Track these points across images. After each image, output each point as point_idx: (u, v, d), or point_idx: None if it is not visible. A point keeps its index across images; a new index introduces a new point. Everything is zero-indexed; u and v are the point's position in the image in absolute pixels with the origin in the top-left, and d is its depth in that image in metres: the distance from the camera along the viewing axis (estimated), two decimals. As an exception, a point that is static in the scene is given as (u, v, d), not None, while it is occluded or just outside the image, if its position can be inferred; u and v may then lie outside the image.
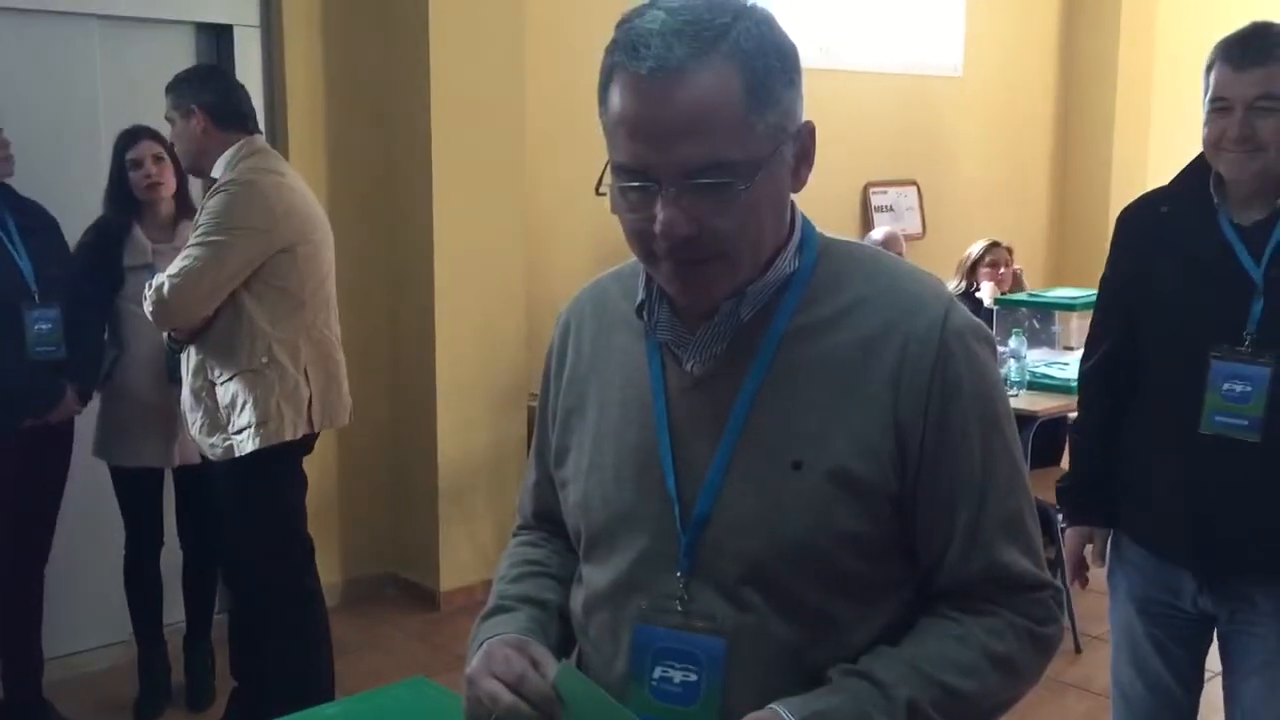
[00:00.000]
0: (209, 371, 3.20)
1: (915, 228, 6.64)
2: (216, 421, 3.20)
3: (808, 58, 1.28)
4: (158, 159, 3.62)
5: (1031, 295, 5.49)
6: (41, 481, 3.49)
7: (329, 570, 3.61)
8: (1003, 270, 5.45)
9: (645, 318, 1.32)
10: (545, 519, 1.53)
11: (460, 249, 4.49)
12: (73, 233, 3.63)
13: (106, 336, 3.67)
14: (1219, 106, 2.14)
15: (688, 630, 1.26)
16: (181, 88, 3.29)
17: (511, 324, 4.69)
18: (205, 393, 3.21)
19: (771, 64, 1.17)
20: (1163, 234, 2.27)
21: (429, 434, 4.56)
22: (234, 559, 3.42)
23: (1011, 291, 5.44)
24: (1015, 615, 1.27)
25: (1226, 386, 2.15)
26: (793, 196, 1.29)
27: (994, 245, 5.45)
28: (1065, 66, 7.47)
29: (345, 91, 4.50)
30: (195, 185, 3.89)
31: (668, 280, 1.25)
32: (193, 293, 3.07)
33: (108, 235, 3.62)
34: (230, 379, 3.16)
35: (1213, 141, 2.15)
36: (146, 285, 3.16)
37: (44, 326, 3.36)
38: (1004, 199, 7.09)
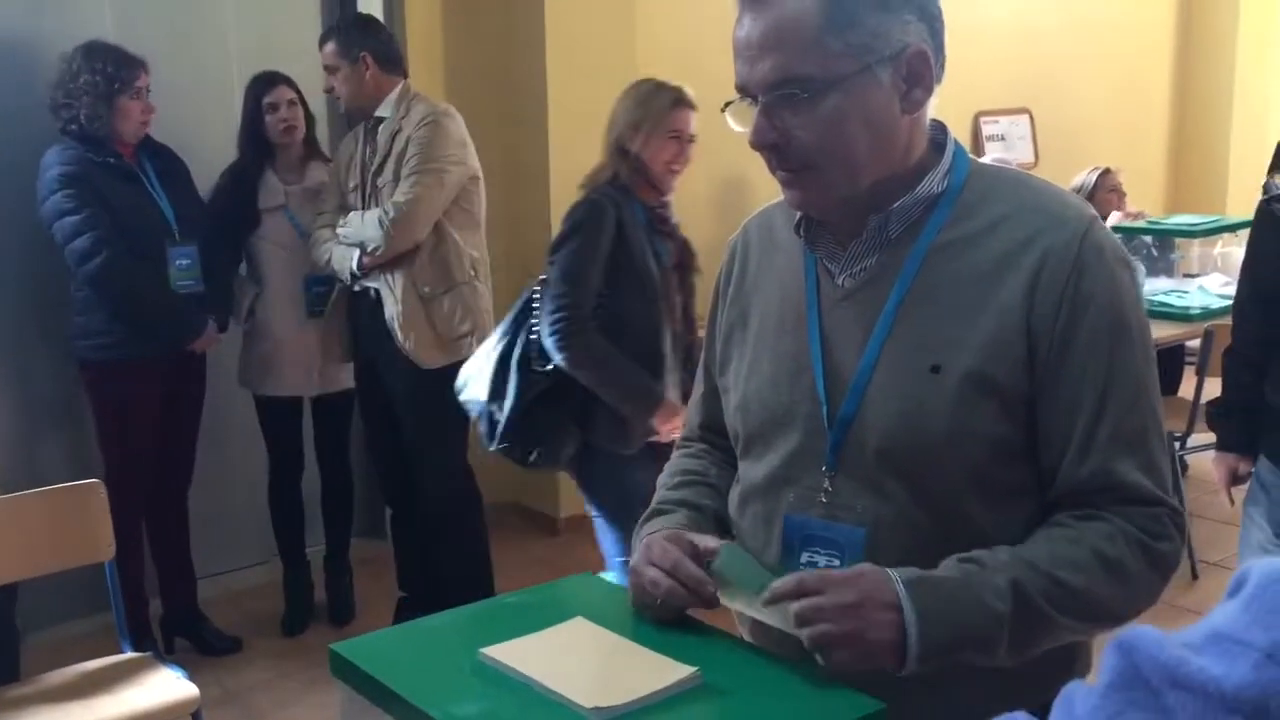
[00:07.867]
0: (420, 289, 3.43)
1: (1027, 157, 6.56)
2: (432, 333, 3.44)
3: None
4: (292, 104, 3.76)
5: (1151, 222, 5.39)
6: (181, 407, 3.70)
7: (456, 496, 3.78)
8: (1123, 197, 5.33)
9: (802, 234, 1.44)
10: (710, 429, 1.64)
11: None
12: (208, 177, 3.79)
13: (246, 275, 3.86)
14: None
15: (832, 520, 1.37)
16: (348, 36, 3.49)
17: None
18: (417, 309, 3.43)
19: None
20: None
21: (549, 366, 4.69)
22: (422, 465, 3.60)
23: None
24: (1127, 524, 1.29)
25: None
26: (941, 121, 1.39)
27: (1105, 172, 5.32)
28: (1186, -12, 7.27)
29: (463, 34, 4.60)
30: (320, 128, 4.04)
31: (782, 189, 1.39)
32: (425, 214, 3.39)
33: (243, 179, 3.78)
34: (446, 292, 3.46)
35: None
36: (379, 217, 3.35)
37: (184, 262, 3.55)
38: (1121, 127, 6.94)
